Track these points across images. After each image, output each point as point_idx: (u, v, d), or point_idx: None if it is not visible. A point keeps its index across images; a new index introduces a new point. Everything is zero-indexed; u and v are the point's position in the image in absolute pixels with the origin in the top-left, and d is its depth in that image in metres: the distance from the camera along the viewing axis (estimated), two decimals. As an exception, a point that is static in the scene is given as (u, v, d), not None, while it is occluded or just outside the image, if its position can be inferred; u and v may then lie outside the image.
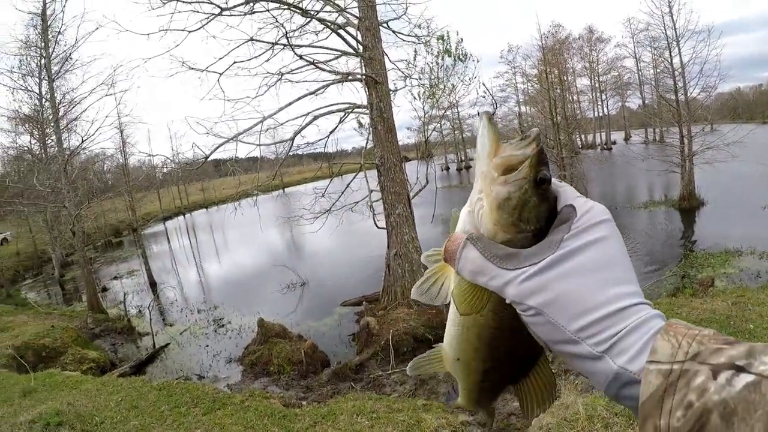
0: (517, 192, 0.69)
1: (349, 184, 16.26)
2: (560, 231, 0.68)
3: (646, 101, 55.31)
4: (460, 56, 18.32)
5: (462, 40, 18.36)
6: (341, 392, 10.74)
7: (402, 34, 16.51)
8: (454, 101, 28.50)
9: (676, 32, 28.25)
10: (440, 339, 0.91)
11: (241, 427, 7.37)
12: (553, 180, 0.76)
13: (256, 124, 14.74)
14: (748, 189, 27.40)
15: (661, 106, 32.10)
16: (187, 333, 16.98)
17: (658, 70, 31.38)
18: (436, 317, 13.11)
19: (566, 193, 0.75)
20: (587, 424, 5.46)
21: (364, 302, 16.29)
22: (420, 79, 17.67)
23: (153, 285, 25.04)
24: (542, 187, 0.70)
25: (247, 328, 16.28)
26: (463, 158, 67.25)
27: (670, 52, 28.71)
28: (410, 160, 19.36)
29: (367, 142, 16.04)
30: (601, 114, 72.89)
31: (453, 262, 0.74)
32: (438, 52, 17.70)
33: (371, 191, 15.69)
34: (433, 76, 18.03)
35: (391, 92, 15.60)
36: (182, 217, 49.97)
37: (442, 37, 17.59)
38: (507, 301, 0.69)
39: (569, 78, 59.79)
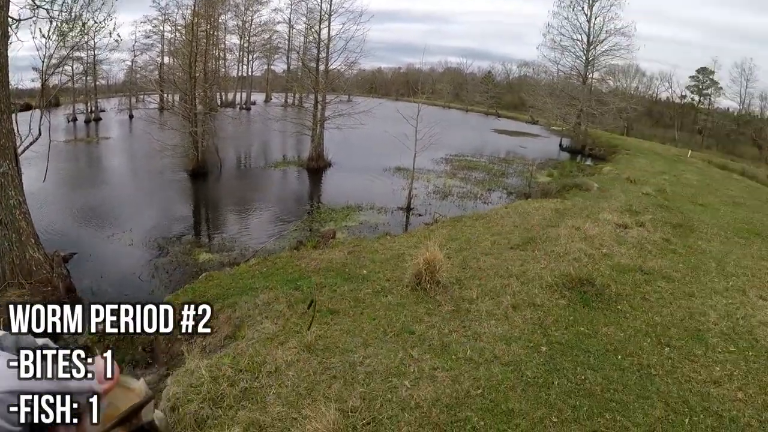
0: None
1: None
2: None
3: (292, 67, 57.06)
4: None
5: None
6: None
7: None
8: (84, 42, 24.83)
9: (330, 7, 29.47)
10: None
11: None
12: None
13: None
14: (370, 152, 30.75)
15: (304, 72, 33.20)
16: None
17: (308, 39, 32.40)
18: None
19: None
20: (212, 386, 5.46)
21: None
22: (49, 11, 14.26)
23: None
24: None
25: None
26: (93, 109, 59.78)
27: (320, 25, 29.82)
28: (33, 108, 15.88)
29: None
30: (245, 74, 73.03)
31: None
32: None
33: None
34: (65, 10, 14.83)
35: (12, 21, 12.17)
36: None
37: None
38: None
39: (218, 34, 57.93)
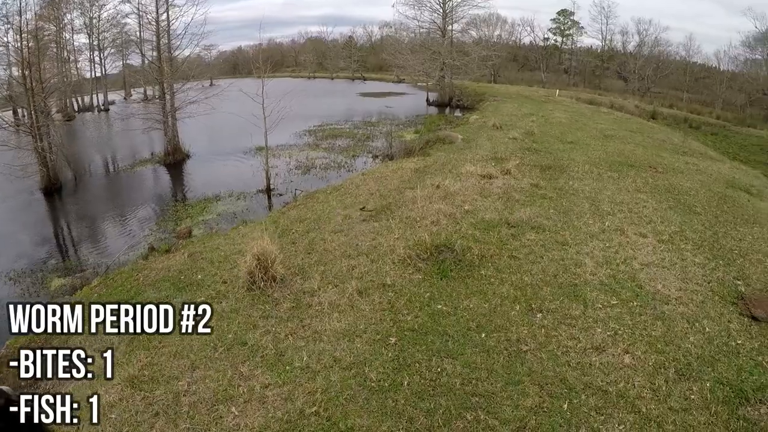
0: None
1: None
2: None
3: (147, 59, 53.22)
4: None
5: None
6: None
7: None
8: None
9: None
10: None
11: None
12: None
13: None
14: (229, 136, 29.30)
15: (150, 64, 30.98)
16: None
17: (161, 27, 30.01)
18: None
19: None
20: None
21: None
22: None
23: None
24: None
25: None
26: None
27: (157, 10, 27.57)
28: None
29: None
30: (99, 74, 67.66)
31: None
32: None
33: None
34: None
35: None
36: None
37: None
38: None
39: (65, 35, 52.92)
